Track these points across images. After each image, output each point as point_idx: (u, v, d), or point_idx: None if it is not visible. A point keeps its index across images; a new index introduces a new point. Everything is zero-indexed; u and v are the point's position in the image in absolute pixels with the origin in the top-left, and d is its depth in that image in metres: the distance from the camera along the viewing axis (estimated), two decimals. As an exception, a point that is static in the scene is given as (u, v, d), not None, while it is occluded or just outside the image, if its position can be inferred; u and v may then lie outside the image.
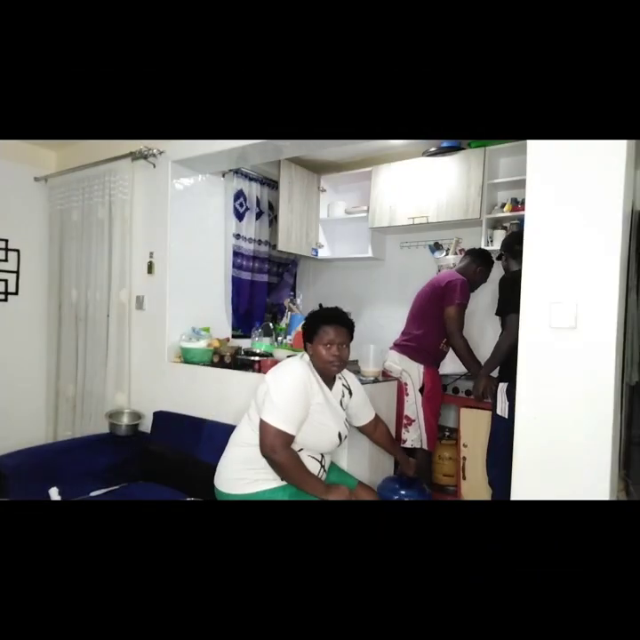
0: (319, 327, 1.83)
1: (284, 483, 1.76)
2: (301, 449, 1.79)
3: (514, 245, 2.31)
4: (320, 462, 1.84)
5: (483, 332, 3.05)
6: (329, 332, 1.81)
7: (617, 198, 1.42)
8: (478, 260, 2.69)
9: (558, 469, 1.51)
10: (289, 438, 1.70)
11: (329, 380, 1.88)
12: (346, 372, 1.99)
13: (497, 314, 2.31)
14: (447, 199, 2.97)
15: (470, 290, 2.66)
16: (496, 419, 2.22)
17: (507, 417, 2.09)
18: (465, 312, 2.62)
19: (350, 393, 1.96)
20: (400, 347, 2.68)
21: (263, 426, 1.70)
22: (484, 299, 2.95)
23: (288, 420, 1.69)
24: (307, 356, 1.87)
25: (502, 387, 2.17)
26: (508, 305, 2.15)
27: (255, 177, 3.34)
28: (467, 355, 2.57)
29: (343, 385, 1.94)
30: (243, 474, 1.78)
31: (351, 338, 1.88)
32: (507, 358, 2.11)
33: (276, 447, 1.67)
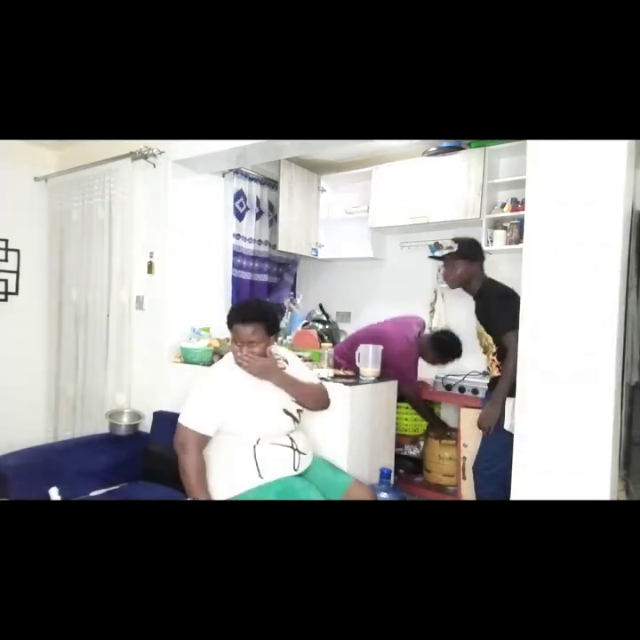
0: (231, 327, 1.82)
1: (266, 480, 1.75)
2: (259, 440, 1.77)
3: (476, 248, 2.27)
4: (291, 446, 1.83)
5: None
6: (237, 331, 1.80)
7: (617, 198, 1.42)
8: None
9: (558, 469, 1.51)
10: (202, 439, 1.68)
11: None
12: (276, 347, 1.98)
13: (489, 332, 2.22)
14: (447, 199, 2.97)
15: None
16: (500, 431, 2.09)
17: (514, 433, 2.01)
18: None
19: (286, 362, 1.96)
20: None
21: (178, 423, 1.70)
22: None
23: (197, 419, 1.68)
24: (231, 355, 1.87)
25: (511, 401, 2.03)
26: (502, 322, 2.09)
27: (255, 177, 3.33)
28: None
29: (277, 358, 1.92)
30: (221, 480, 1.78)
31: (269, 331, 1.83)
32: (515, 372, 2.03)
33: (187, 446, 1.65)
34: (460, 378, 2.69)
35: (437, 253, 2.30)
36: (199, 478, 1.68)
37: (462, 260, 2.24)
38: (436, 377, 2.82)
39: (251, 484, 1.74)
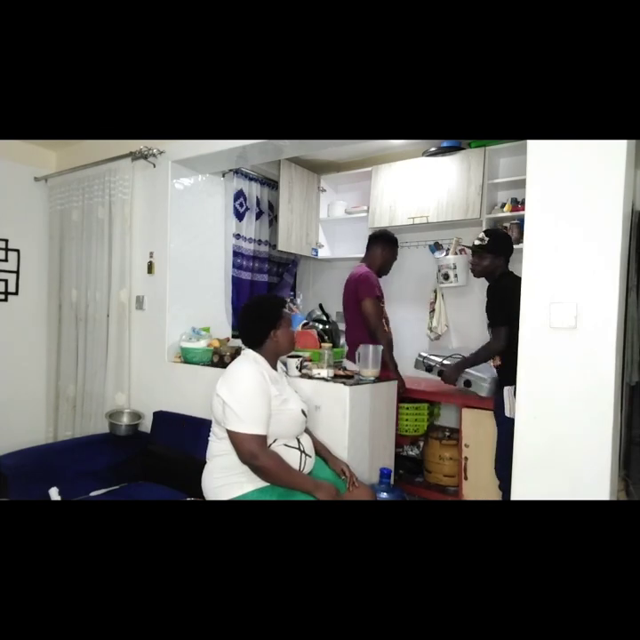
0: (282, 311, 1.94)
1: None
2: (275, 440, 1.79)
3: (504, 243, 2.34)
4: (299, 448, 1.85)
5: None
6: (287, 314, 1.95)
7: (617, 198, 1.42)
8: (379, 242, 2.82)
9: (558, 469, 1.51)
10: (262, 440, 1.71)
11: (274, 364, 1.94)
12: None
13: (488, 325, 2.31)
14: (447, 199, 2.97)
15: (383, 272, 2.83)
16: (504, 421, 2.17)
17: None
18: (379, 302, 2.71)
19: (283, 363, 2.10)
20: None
21: (234, 436, 1.70)
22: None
23: (255, 423, 1.70)
24: (251, 353, 1.89)
25: (509, 389, 2.13)
26: (497, 316, 2.22)
27: (255, 177, 3.34)
28: (388, 350, 2.64)
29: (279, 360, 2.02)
30: (225, 480, 1.78)
31: None
32: (513, 362, 2.10)
33: (255, 452, 1.67)
34: (441, 359, 2.67)
35: (476, 242, 2.39)
36: (285, 468, 1.73)
37: (490, 254, 2.33)
38: (418, 356, 2.81)
39: (255, 485, 1.75)
